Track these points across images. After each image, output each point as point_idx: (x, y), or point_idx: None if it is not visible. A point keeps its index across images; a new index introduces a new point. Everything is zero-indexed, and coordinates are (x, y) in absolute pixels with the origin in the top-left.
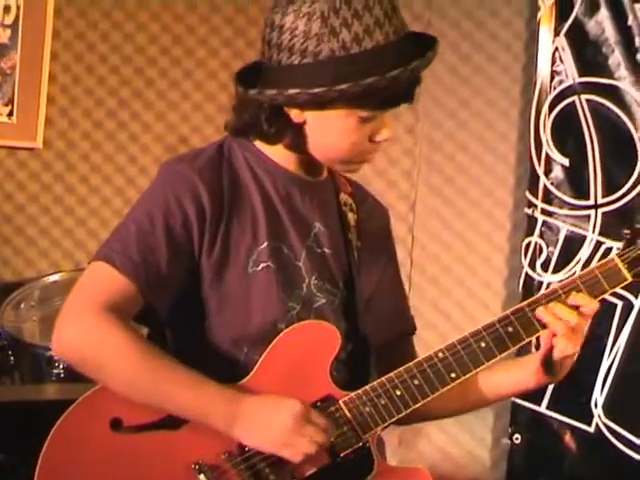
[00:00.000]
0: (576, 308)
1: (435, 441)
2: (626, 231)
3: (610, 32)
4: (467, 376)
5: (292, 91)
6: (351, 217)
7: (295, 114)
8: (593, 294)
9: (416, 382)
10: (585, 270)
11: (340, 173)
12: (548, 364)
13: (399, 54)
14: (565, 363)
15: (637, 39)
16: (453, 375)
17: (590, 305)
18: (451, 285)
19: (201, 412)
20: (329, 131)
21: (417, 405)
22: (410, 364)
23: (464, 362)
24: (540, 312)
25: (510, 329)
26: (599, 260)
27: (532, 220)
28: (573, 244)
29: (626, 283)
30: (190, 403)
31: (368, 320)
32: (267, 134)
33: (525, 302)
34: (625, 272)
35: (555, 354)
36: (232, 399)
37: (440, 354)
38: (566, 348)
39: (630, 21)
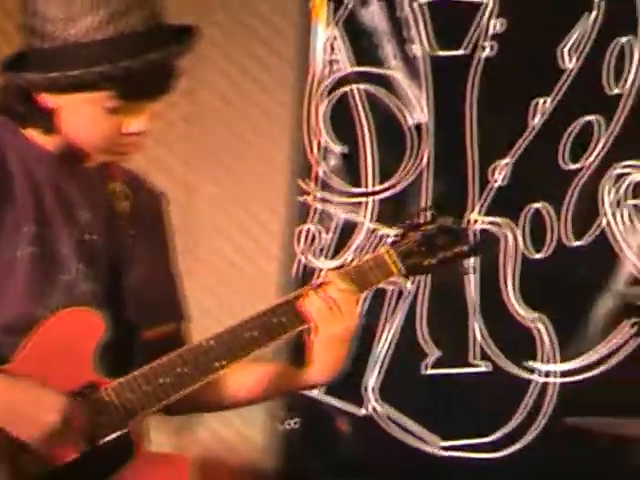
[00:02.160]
0: (340, 297)
1: (209, 426)
2: (399, 225)
3: (382, 23)
4: (232, 365)
5: (30, 75)
6: (125, 205)
7: (48, 99)
8: (361, 285)
9: (182, 370)
10: (355, 262)
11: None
12: (319, 355)
13: (137, 44)
14: (334, 353)
15: (406, 30)
16: (218, 364)
17: (354, 295)
18: (228, 272)
19: None
20: (78, 119)
21: (182, 392)
22: (177, 352)
23: (230, 351)
24: (303, 302)
25: (276, 320)
26: (374, 247)
27: (307, 207)
28: (348, 231)
29: (393, 277)
30: None
31: (137, 308)
32: (18, 117)
33: (293, 293)
34: (392, 266)
35: (319, 344)
36: None
37: (207, 343)
38: (329, 337)
39: (400, 12)
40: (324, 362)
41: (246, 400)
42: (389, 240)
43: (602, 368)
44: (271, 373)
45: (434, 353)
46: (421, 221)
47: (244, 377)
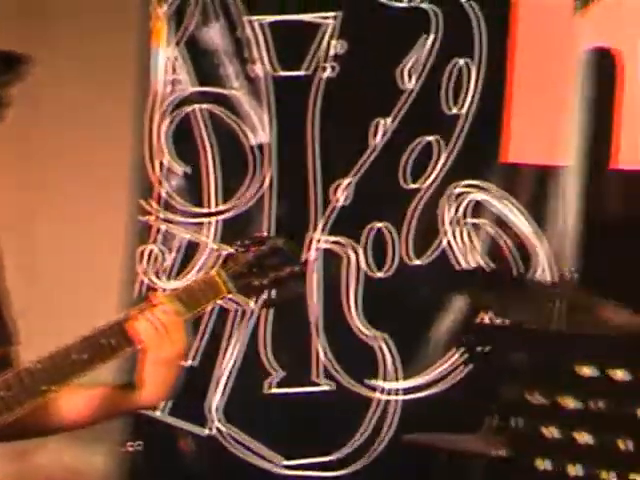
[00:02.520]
0: (167, 319)
1: (53, 450)
2: (232, 245)
3: (223, 43)
4: (60, 388)
5: None
6: None
7: None
8: (191, 306)
9: (6, 394)
10: (186, 283)
11: None
12: (148, 377)
13: None
14: (163, 375)
15: (248, 50)
16: (45, 387)
17: (182, 317)
18: (67, 293)
19: None
20: None
21: (7, 417)
22: (3, 376)
23: (58, 374)
24: (132, 324)
25: (105, 341)
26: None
27: (149, 228)
28: (191, 251)
29: (224, 297)
30: None
31: None
32: None
33: (122, 314)
34: (223, 286)
35: (147, 366)
36: None
37: (35, 365)
38: (157, 359)
39: (241, 33)
40: (153, 384)
41: (76, 424)
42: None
43: (443, 385)
44: (100, 396)
45: (278, 373)
46: (252, 242)
47: (73, 400)
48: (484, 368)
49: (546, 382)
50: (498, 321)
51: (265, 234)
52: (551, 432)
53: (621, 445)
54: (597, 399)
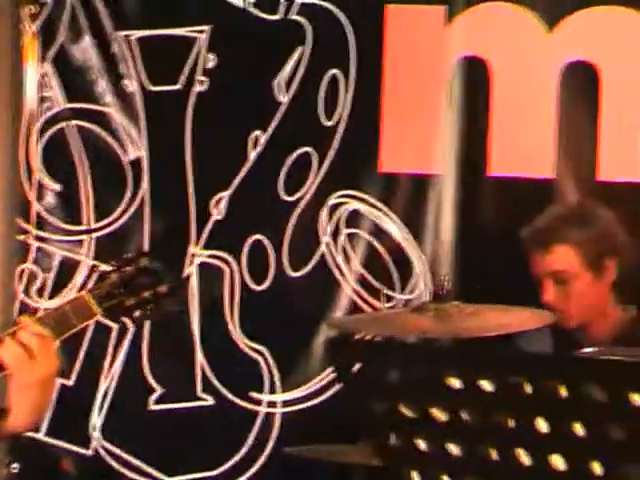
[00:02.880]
0: (35, 342)
1: None
2: (107, 264)
3: (95, 59)
4: None
5: None
6: None
7: None
8: (60, 329)
9: None
10: (56, 305)
11: None
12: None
13: None
14: (33, 399)
15: (121, 66)
16: None
17: (50, 340)
18: None
19: None
20: None
21: None
22: None
23: None
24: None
25: None
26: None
27: (25, 246)
28: (68, 269)
29: (96, 318)
30: None
31: None
32: None
33: None
34: (95, 307)
35: (16, 390)
36: None
37: None
38: (26, 383)
39: (112, 48)
40: (23, 408)
41: None
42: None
43: (322, 397)
44: None
45: (160, 388)
46: (124, 262)
47: None
48: (357, 384)
49: (417, 395)
50: (369, 337)
51: (135, 254)
52: (423, 444)
53: (492, 455)
54: (466, 410)
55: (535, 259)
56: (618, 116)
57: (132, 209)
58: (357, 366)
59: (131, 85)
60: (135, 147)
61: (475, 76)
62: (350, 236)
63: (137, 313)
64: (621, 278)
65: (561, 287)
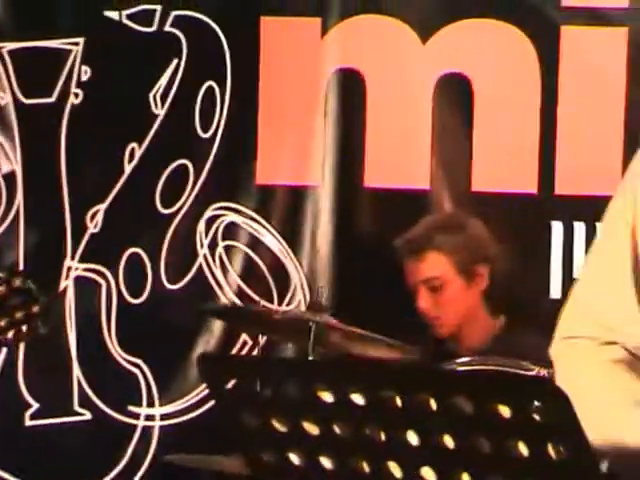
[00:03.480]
0: None
1: None
2: None
3: None
4: None
5: None
6: None
7: None
8: None
9: None
10: None
11: None
12: None
13: None
14: None
15: None
16: None
17: None
18: None
19: None
20: None
21: None
22: None
23: None
24: None
25: None
26: None
27: None
28: None
29: None
30: None
31: None
32: None
33: None
34: None
35: None
36: None
37: None
38: None
39: None
40: None
41: None
42: None
43: (201, 410)
44: None
45: (36, 403)
46: None
47: None
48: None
49: (289, 409)
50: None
51: (7, 273)
52: (295, 457)
53: (363, 467)
54: (338, 424)
55: (409, 267)
56: (491, 127)
57: (6, 223)
58: (231, 382)
59: (4, 98)
60: (8, 161)
61: (350, 88)
62: (227, 248)
63: (9, 334)
64: (492, 288)
65: (434, 294)
